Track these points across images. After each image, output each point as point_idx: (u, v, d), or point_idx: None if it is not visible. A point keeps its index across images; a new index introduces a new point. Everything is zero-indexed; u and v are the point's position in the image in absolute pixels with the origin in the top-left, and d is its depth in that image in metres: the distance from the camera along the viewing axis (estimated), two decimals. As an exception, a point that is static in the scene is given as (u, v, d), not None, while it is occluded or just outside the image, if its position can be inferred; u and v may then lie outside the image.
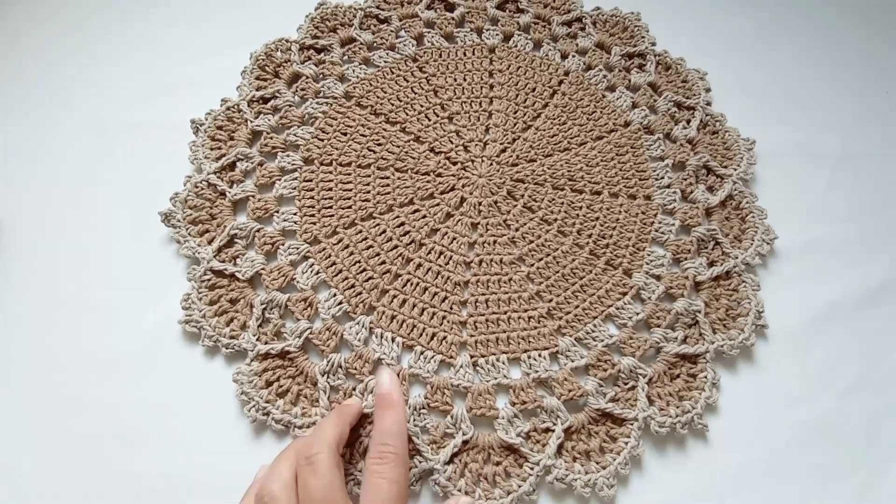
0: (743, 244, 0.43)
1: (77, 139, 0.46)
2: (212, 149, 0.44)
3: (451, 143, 0.45)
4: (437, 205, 0.43)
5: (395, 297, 0.40)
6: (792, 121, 0.50)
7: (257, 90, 0.46)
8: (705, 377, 0.38)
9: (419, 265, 0.41)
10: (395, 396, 0.32)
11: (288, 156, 0.44)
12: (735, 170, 0.45)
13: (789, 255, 0.44)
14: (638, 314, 0.40)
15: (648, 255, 0.42)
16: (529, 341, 0.39)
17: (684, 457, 0.37)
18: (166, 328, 0.38)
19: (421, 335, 0.38)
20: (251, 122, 0.45)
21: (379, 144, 0.45)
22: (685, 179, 0.45)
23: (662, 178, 0.45)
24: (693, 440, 0.38)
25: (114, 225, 0.42)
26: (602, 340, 0.39)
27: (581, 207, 0.44)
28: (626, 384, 0.38)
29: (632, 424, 0.36)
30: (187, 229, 0.40)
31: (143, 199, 0.42)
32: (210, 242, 0.40)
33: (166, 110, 0.46)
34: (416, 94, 0.47)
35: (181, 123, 0.45)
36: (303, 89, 0.46)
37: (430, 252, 0.41)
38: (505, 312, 0.40)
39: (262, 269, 0.39)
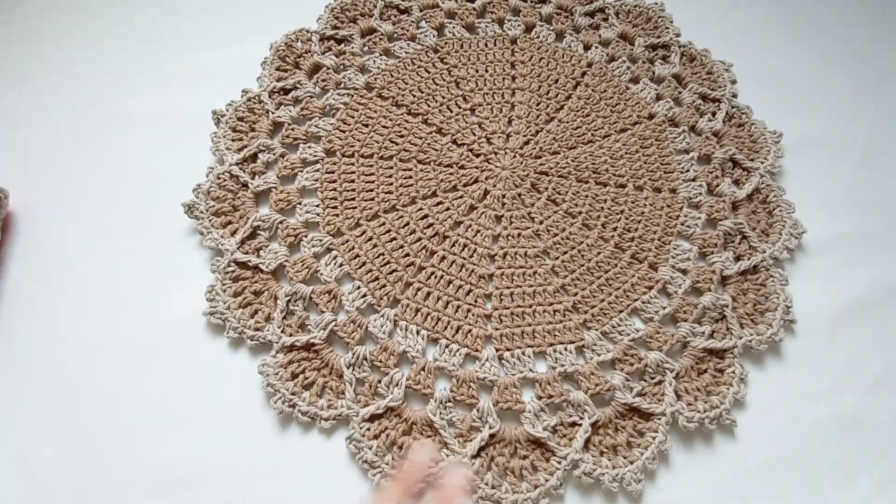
0: (770, 238, 0.42)
1: (97, 128, 0.45)
2: (233, 140, 0.44)
3: (474, 134, 0.45)
4: (461, 197, 0.43)
5: (419, 289, 0.39)
6: (817, 113, 0.49)
7: (278, 81, 0.46)
8: (733, 372, 0.38)
9: (443, 258, 0.41)
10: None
11: (310, 147, 0.44)
12: (762, 163, 0.45)
13: (815, 248, 0.44)
14: (664, 308, 0.39)
15: (674, 248, 0.42)
16: (555, 335, 0.38)
17: (712, 452, 0.37)
18: (189, 320, 0.38)
19: (446, 328, 0.38)
20: (272, 112, 0.44)
21: (401, 136, 0.44)
22: (711, 172, 0.44)
23: (688, 171, 0.44)
24: (720, 435, 0.37)
25: (135, 216, 0.42)
26: (628, 334, 0.39)
27: (606, 200, 0.43)
28: (652, 379, 0.37)
29: (659, 419, 0.36)
30: (210, 221, 0.40)
31: (163, 190, 0.42)
32: (233, 234, 0.40)
33: (187, 100, 0.46)
34: (437, 85, 0.47)
35: (201, 113, 0.45)
36: (323, 80, 0.46)
37: (453, 244, 0.41)
38: (530, 306, 0.39)
39: (286, 261, 0.39)
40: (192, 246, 0.41)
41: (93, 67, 0.48)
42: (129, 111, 0.46)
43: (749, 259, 0.41)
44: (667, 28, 0.50)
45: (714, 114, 0.47)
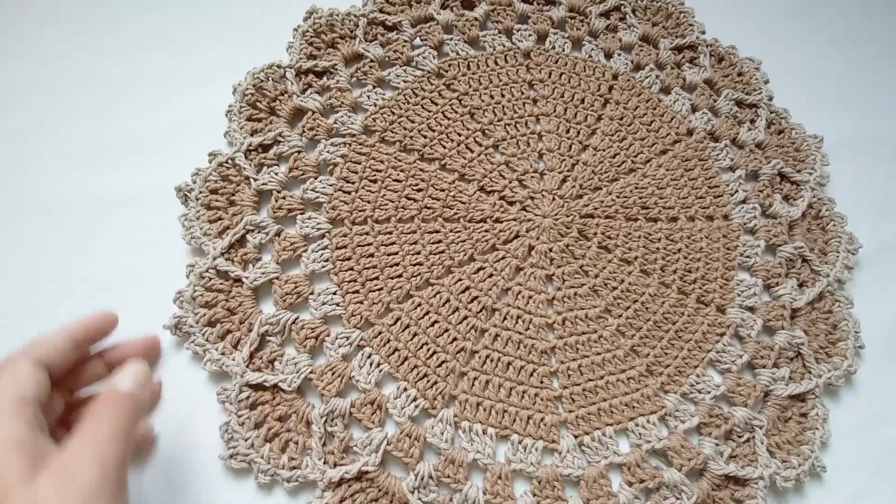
0: (828, 258, 0.40)
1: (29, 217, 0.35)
2: (210, 220, 0.34)
3: (504, 177, 0.38)
4: (503, 258, 0.37)
5: (475, 379, 0.34)
6: (846, 111, 0.46)
7: (252, 135, 0.37)
8: (817, 414, 0.36)
9: (496, 336, 0.35)
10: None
11: (310, 218, 0.35)
12: (810, 174, 0.41)
13: (863, 259, 0.42)
14: (741, 356, 0.36)
15: (738, 284, 0.38)
16: (634, 406, 0.34)
17: (803, 500, 0.35)
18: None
19: (514, 421, 0.33)
20: (254, 179, 0.35)
21: (418, 190, 0.37)
22: (761, 191, 0.41)
23: (736, 191, 0.41)
24: (808, 481, 0.35)
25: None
26: (708, 392, 0.35)
27: (660, 239, 0.39)
28: (740, 437, 0.34)
29: (756, 484, 0.33)
30: (204, 333, 0.32)
31: (136, 303, 0.33)
32: (235, 347, 0.32)
33: (138, 176, 0.37)
34: (449, 119, 0.39)
35: (161, 191, 0.35)
36: (311, 128, 0.37)
37: (504, 318, 0.35)
38: (601, 377, 0.35)
39: (311, 372, 0.32)
40: (182, 364, 0.33)
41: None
42: (65, 198, 0.36)
43: (814, 285, 0.38)
44: (691, 25, 0.44)
45: (753, 121, 0.43)
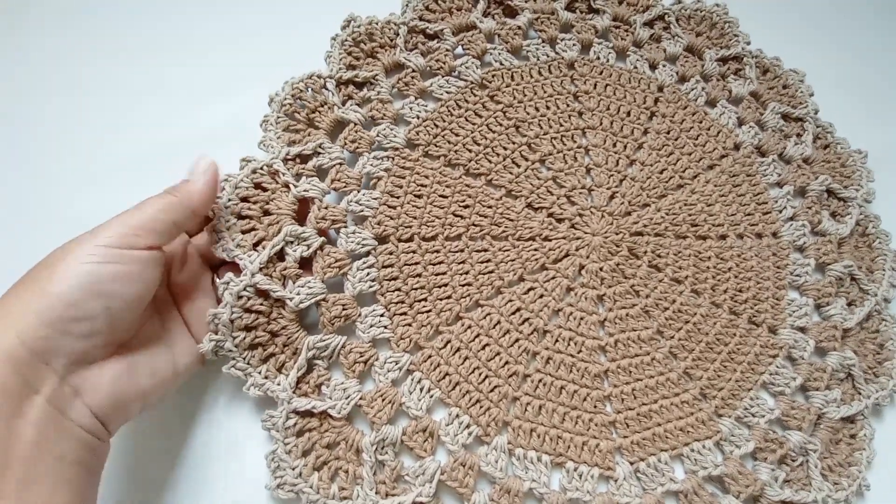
0: (875, 276, 0.39)
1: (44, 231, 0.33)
2: (243, 231, 0.33)
3: (552, 194, 0.37)
4: (553, 278, 0.35)
5: (528, 404, 0.33)
6: (890, 122, 0.46)
7: (289, 145, 0.35)
8: (865, 435, 0.35)
9: (548, 359, 0.34)
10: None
11: (354, 233, 0.34)
12: (857, 190, 0.41)
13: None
14: (794, 379, 0.35)
15: (789, 304, 0.37)
16: (688, 431, 0.33)
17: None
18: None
19: (569, 447, 0.32)
20: (294, 186, 0.34)
21: (465, 206, 0.36)
22: (809, 208, 0.40)
23: (785, 208, 0.40)
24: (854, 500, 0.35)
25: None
26: (763, 416, 0.34)
27: (710, 257, 0.38)
28: (794, 461, 0.34)
29: (811, 509, 0.32)
30: (245, 356, 0.30)
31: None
32: (279, 370, 0.31)
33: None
34: (494, 132, 0.38)
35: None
36: (353, 141, 0.36)
37: (556, 340, 0.34)
38: (655, 401, 0.34)
39: (360, 398, 0.31)
40: (224, 391, 0.31)
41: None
42: (81, 213, 0.33)
43: (863, 304, 0.38)
44: (735, 36, 0.43)
45: (799, 135, 0.42)
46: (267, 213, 0.34)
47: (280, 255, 0.33)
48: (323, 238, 0.33)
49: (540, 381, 0.33)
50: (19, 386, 0.22)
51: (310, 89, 0.36)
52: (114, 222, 0.26)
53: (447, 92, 0.38)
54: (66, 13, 0.41)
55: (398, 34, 0.39)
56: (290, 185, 0.33)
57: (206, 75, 0.40)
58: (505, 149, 0.38)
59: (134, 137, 0.37)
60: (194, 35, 0.41)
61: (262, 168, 0.34)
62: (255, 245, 0.32)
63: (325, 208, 0.34)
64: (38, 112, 0.38)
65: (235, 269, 0.31)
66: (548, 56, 0.41)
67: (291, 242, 0.33)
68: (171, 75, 0.39)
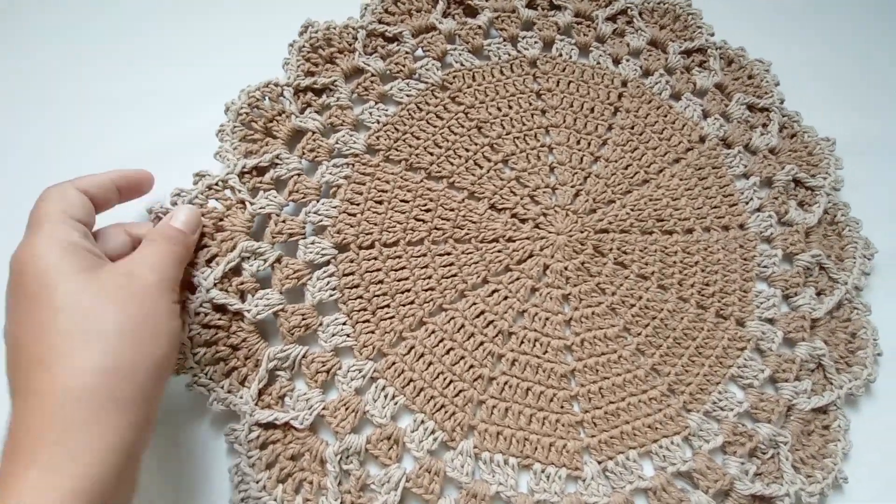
0: (845, 264, 0.39)
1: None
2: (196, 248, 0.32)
3: (515, 194, 0.37)
4: (517, 279, 0.35)
5: (494, 407, 0.32)
6: (859, 109, 0.45)
7: (246, 156, 0.35)
8: (839, 426, 0.35)
9: (513, 361, 0.34)
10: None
11: (313, 244, 0.34)
12: (824, 178, 0.40)
13: (881, 264, 0.41)
14: (763, 371, 0.35)
15: (757, 296, 0.37)
16: (657, 428, 0.33)
17: (826, 513, 0.35)
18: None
19: (536, 449, 0.32)
20: (250, 203, 0.33)
21: (427, 210, 0.36)
22: (776, 198, 0.40)
23: (751, 199, 0.40)
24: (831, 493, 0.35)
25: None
26: (731, 409, 0.34)
27: (676, 252, 0.37)
28: (764, 454, 0.34)
29: (782, 501, 0.32)
30: (208, 372, 0.30)
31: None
32: (242, 383, 0.30)
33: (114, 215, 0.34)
34: (456, 134, 0.38)
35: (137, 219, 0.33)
36: (311, 150, 0.35)
37: (521, 341, 0.34)
38: (623, 399, 0.34)
39: (324, 408, 0.31)
40: (184, 406, 0.31)
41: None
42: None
43: (833, 293, 0.38)
44: (699, 28, 0.43)
45: (765, 125, 0.42)
46: (220, 229, 0.33)
47: (236, 270, 0.32)
48: (279, 252, 0.33)
49: (506, 383, 0.33)
50: None
51: (267, 98, 0.36)
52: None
53: (408, 95, 0.38)
54: (44, 27, 0.40)
55: (357, 38, 0.38)
56: (247, 203, 0.33)
57: (168, 88, 0.39)
58: (467, 150, 0.38)
59: (92, 149, 0.37)
60: (153, 48, 0.40)
61: (216, 184, 0.34)
62: (209, 262, 0.32)
63: (283, 222, 0.34)
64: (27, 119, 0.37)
65: (192, 287, 0.31)
66: (509, 55, 0.40)
67: (248, 258, 0.33)
68: (130, 88, 0.39)
